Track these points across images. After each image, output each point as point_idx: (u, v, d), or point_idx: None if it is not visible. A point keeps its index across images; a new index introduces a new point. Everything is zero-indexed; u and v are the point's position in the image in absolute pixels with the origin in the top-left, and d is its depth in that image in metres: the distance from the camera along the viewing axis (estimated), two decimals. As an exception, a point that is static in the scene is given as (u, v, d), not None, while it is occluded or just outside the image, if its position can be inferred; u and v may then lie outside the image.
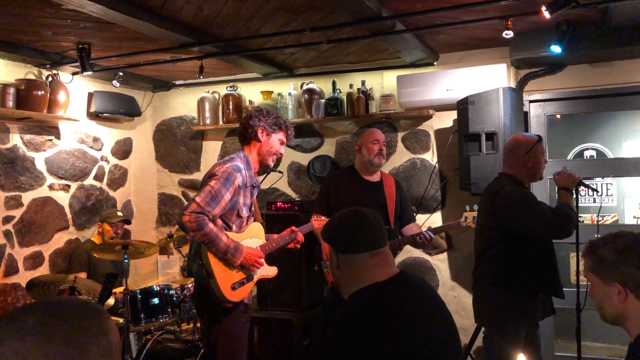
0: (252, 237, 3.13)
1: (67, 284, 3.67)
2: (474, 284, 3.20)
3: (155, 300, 3.92)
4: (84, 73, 4.06)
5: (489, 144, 3.80)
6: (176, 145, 5.40)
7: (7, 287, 4.14)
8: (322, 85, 4.73)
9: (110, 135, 5.15)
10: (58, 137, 4.58)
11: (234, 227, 3.03)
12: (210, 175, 2.94)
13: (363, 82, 4.53)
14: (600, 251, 1.72)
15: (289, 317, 4.15)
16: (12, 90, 3.98)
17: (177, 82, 5.35)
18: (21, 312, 0.92)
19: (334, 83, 4.61)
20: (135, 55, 4.12)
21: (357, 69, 4.63)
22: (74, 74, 4.50)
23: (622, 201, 4.99)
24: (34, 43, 3.95)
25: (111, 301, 3.92)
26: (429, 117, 4.45)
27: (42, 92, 4.15)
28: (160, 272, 5.25)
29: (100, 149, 5.02)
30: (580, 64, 4.10)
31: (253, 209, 3.24)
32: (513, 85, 4.18)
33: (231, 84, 5.02)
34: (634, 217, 4.77)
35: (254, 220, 3.23)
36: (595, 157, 5.00)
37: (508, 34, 3.20)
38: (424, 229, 3.81)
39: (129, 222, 4.74)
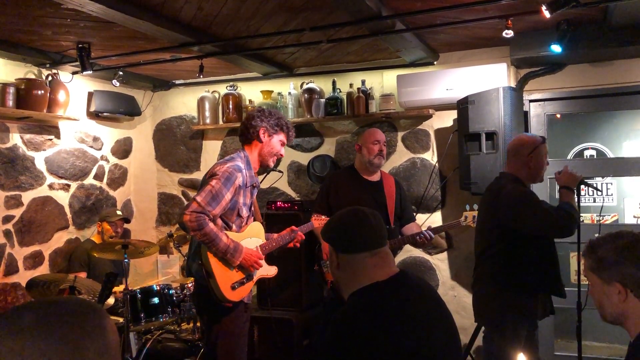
0: (252, 236, 3.13)
1: (67, 283, 3.67)
2: (474, 283, 3.20)
3: (155, 300, 3.92)
4: (84, 72, 4.06)
5: (489, 143, 3.80)
6: (176, 144, 5.40)
7: (7, 286, 4.14)
8: (322, 84, 4.73)
9: (110, 134, 5.15)
10: (58, 136, 4.58)
11: (234, 227, 3.03)
12: (211, 175, 2.94)
13: (363, 82, 4.53)
14: (601, 251, 1.72)
15: (289, 316, 4.15)
16: (12, 90, 3.98)
17: (177, 82, 5.35)
18: (18, 310, 0.92)
19: (334, 82, 4.61)
20: (135, 54, 4.12)
21: (357, 68, 4.63)
22: (73, 73, 4.50)
23: (622, 201, 4.99)
24: (34, 42, 3.95)
25: (111, 300, 3.92)
26: (429, 116, 4.45)
27: (42, 92, 4.14)
28: (160, 271, 5.25)
29: (100, 149, 5.02)
30: (580, 63, 4.10)
31: (253, 208, 3.24)
32: (513, 84, 4.18)
33: (231, 83, 5.02)
34: (634, 216, 4.77)
35: (254, 220, 3.23)
36: (595, 157, 5.00)
37: (508, 33, 3.20)
38: (423, 228, 3.81)
39: (128, 221, 4.74)
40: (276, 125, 3.12)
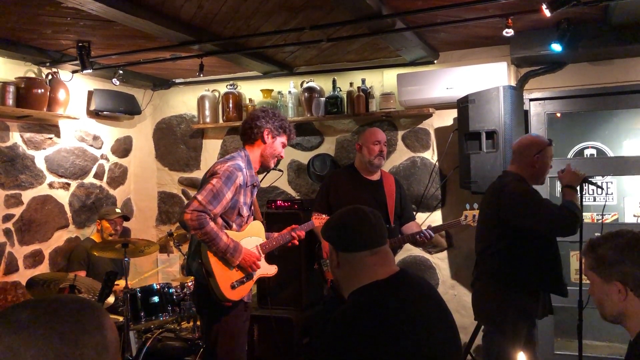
0: (252, 235, 3.13)
1: (67, 282, 3.66)
2: (474, 281, 3.19)
3: (155, 299, 3.92)
4: (84, 71, 4.06)
5: (489, 142, 3.79)
6: (176, 143, 5.40)
7: (7, 285, 4.14)
8: (322, 83, 4.73)
9: (110, 133, 5.15)
10: (58, 135, 4.58)
11: (234, 226, 3.03)
12: (211, 174, 2.94)
13: (363, 81, 4.52)
14: (600, 250, 1.72)
15: (289, 315, 4.15)
16: (11, 89, 3.98)
17: (177, 81, 5.35)
18: (15, 308, 0.92)
19: (334, 81, 4.60)
20: (135, 53, 4.11)
21: (357, 67, 4.63)
22: (73, 72, 4.50)
23: (622, 200, 4.99)
24: (34, 41, 3.95)
25: (111, 299, 3.91)
26: (429, 115, 4.44)
27: (42, 91, 4.14)
28: (160, 270, 5.25)
29: (100, 147, 5.01)
30: (580, 62, 4.09)
31: (253, 207, 3.24)
32: (513, 83, 4.18)
33: (231, 82, 5.01)
34: (634, 215, 4.77)
35: (254, 219, 3.23)
36: (595, 156, 5.00)
37: (508, 32, 3.20)
38: (423, 227, 3.81)
39: (127, 219, 4.74)
40: (280, 127, 3.14)
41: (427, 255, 4.56)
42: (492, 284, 3.04)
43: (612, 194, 5.00)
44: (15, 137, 4.23)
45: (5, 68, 4.11)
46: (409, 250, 4.52)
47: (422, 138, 4.54)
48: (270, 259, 3.21)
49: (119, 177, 5.27)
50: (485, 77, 3.96)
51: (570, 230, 2.90)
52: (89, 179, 4.90)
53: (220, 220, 2.95)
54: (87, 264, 4.40)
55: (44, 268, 4.42)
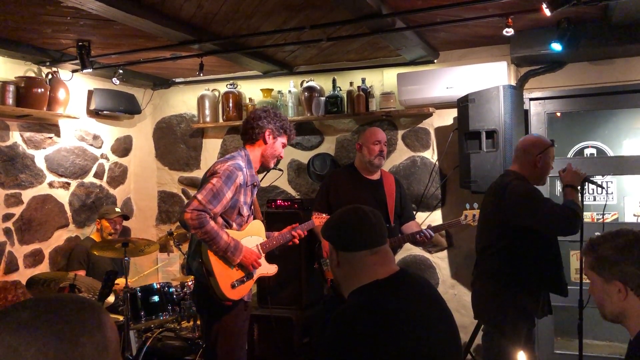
0: (253, 234, 3.13)
1: (67, 281, 3.67)
2: (475, 280, 3.19)
3: (156, 298, 3.92)
4: (84, 71, 4.05)
5: (489, 141, 3.79)
6: (176, 143, 5.40)
7: (7, 284, 4.14)
8: (322, 83, 4.73)
9: (110, 132, 5.15)
10: (58, 134, 4.58)
11: (234, 226, 3.03)
12: (211, 173, 2.94)
13: (363, 80, 4.52)
14: (601, 249, 1.72)
15: (289, 315, 4.15)
16: (11, 88, 3.98)
17: (177, 80, 5.35)
18: (15, 307, 0.92)
19: (334, 81, 4.60)
20: (135, 52, 4.11)
21: (357, 66, 4.63)
22: (73, 71, 4.50)
23: (622, 199, 4.99)
24: (34, 40, 3.95)
25: (111, 299, 3.92)
26: (429, 115, 4.44)
27: (42, 90, 4.14)
28: (160, 269, 5.25)
29: (100, 147, 5.01)
30: (580, 61, 4.09)
31: (253, 207, 3.24)
32: (513, 83, 4.18)
33: (231, 81, 5.01)
34: (634, 215, 4.77)
35: (254, 219, 3.23)
36: (595, 155, 5.00)
37: (508, 31, 3.20)
38: (423, 227, 3.81)
39: (127, 218, 4.74)
40: (281, 127, 3.15)
41: (427, 255, 4.56)
42: (492, 283, 3.04)
43: (612, 193, 5.00)
44: (15, 137, 4.23)
45: (5, 67, 4.11)
46: (409, 250, 4.52)
47: (422, 137, 4.54)
48: (270, 259, 3.21)
49: (119, 176, 5.27)
50: (485, 76, 3.96)
51: (571, 229, 2.90)
52: (89, 179, 4.90)
53: (220, 220, 2.95)
54: (87, 263, 4.40)
55: (44, 267, 4.42)
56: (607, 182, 4.97)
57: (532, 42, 3.87)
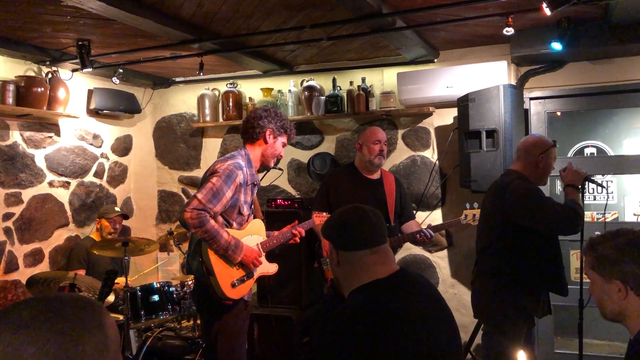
0: (253, 234, 3.13)
1: (67, 280, 3.66)
2: (475, 279, 3.19)
3: (156, 297, 3.93)
4: (84, 70, 4.06)
5: (489, 141, 3.79)
6: (176, 142, 5.40)
7: (7, 284, 4.14)
8: (322, 82, 4.73)
9: (110, 132, 5.15)
10: (58, 134, 4.58)
11: (234, 225, 3.03)
12: (211, 172, 2.94)
13: (363, 79, 4.52)
14: (601, 248, 1.72)
15: (289, 314, 4.15)
16: (11, 87, 3.98)
17: (177, 79, 5.34)
18: (16, 307, 0.92)
19: (334, 80, 4.60)
20: (135, 52, 4.11)
21: (357, 66, 4.62)
22: (73, 70, 4.50)
23: (623, 199, 5.00)
24: (34, 40, 3.95)
25: (111, 298, 3.92)
26: (429, 114, 4.44)
27: (42, 89, 4.14)
28: (160, 269, 5.25)
29: (100, 146, 5.01)
30: (580, 61, 4.09)
31: (253, 206, 3.24)
32: (513, 82, 4.17)
33: (231, 81, 5.01)
34: (634, 214, 4.77)
35: (255, 218, 3.23)
36: (595, 155, 5.00)
37: (509, 31, 3.20)
38: (424, 226, 3.81)
39: (127, 217, 4.74)
40: (282, 127, 3.15)
41: (427, 254, 4.56)
42: (493, 282, 3.04)
43: (612, 192, 5.01)
44: (15, 136, 4.23)
45: (5, 67, 4.11)
46: (409, 249, 4.52)
47: (422, 137, 4.54)
48: (270, 258, 3.21)
49: (119, 175, 5.27)
50: (486, 75, 3.96)
51: (573, 229, 2.90)
52: (89, 178, 4.90)
53: (220, 219, 2.95)
54: (87, 262, 4.40)
55: (44, 267, 4.42)
56: (607, 181, 4.97)
57: (533, 42, 3.87)
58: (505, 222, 2.99)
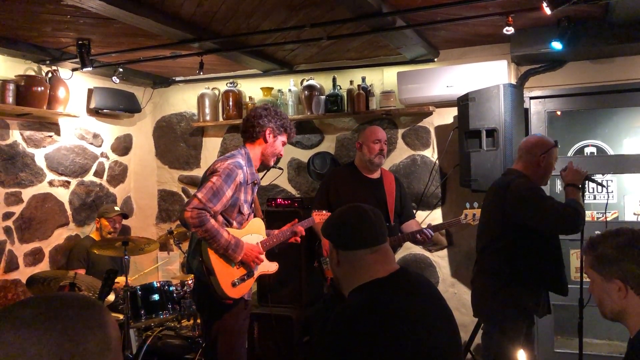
0: (253, 232, 3.13)
1: (68, 280, 3.67)
2: (475, 277, 3.19)
3: (156, 297, 3.93)
4: (84, 69, 4.06)
5: (490, 140, 3.79)
6: (176, 141, 5.40)
7: (7, 283, 4.15)
8: (322, 81, 4.73)
9: (110, 131, 5.15)
10: (58, 133, 4.58)
11: (234, 224, 3.03)
12: (211, 172, 2.94)
13: (363, 79, 4.52)
14: (601, 248, 1.72)
15: (289, 313, 4.15)
16: (11, 86, 3.98)
17: (177, 79, 5.34)
18: (18, 305, 0.92)
19: (334, 79, 4.60)
20: (135, 51, 4.11)
21: (358, 65, 4.62)
22: (73, 70, 4.50)
23: (623, 198, 4.99)
24: (34, 39, 3.95)
25: (111, 297, 3.92)
26: (430, 113, 4.44)
27: (42, 88, 4.14)
28: (160, 268, 5.26)
29: (100, 145, 5.01)
30: (581, 60, 4.09)
31: (254, 205, 3.24)
32: (513, 81, 4.17)
33: (231, 80, 5.01)
34: (634, 213, 4.77)
35: (254, 217, 3.23)
36: (595, 154, 5.00)
37: (509, 30, 3.20)
38: (424, 225, 3.80)
39: (126, 217, 4.74)
40: (281, 126, 3.15)
41: (427, 254, 4.56)
42: (493, 282, 3.04)
43: (612, 192, 5.00)
44: (15, 135, 4.23)
45: (5, 66, 4.11)
46: (409, 249, 4.52)
47: (423, 136, 4.54)
48: (270, 257, 3.21)
49: (119, 175, 5.27)
50: (486, 75, 3.95)
51: (574, 228, 2.90)
52: (89, 177, 4.90)
53: (220, 218, 2.94)
54: (87, 261, 4.40)
55: (44, 266, 4.42)
56: (607, 180, 4.97)
57: (533, 41, 3.87)
58: (505, 221, 2.98)
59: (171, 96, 5.42)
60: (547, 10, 2.89)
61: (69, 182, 4.68)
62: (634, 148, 4.92)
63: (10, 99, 3.96)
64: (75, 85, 4.63)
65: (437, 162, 4.48)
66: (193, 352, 3.86)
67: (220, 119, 5.08)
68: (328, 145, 4.86)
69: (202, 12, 3.36)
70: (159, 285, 3.99)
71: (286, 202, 4.43)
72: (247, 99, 4.96)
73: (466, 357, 3.82)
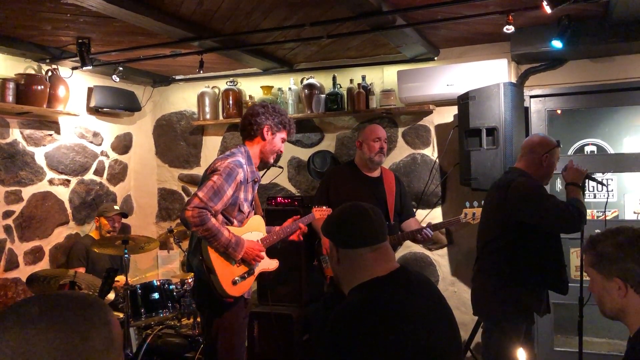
0: (253, 230, 3.12)
1: (68, 278, 3.67)
2: (475, 276, 3.18)
3: (156, 295, 3.93)
4: (84, 68, 4.05)
5: (490, 139, 3.79)
6: (176, 140, 5.40)
7: (8, 281, 4.15)
8: (323, 80, 4.73)
9: (110, 130, 5.14)
10: (58, 131, 4.57)
11: (235, 223, 3.03)
12: (212, 171, 2.93)
13: (363, 77, 4.52)
14: (601, 246, 1.72)
15: (289, 312, 4.15)
16: (11, 85, 3.98)
17: (177, 77, 5.34)
18: (24, 302, 0.94)
19: (334, 78, 4.60)
20: (135, 50, 4.11)
21: (358, 63, 4.62)
22: (73, 68, 4.50)
23: (623, 197, 4.99)
24: (34, 38, 3.94)
25: (111, 296, 3.92)
26: (430, 112, 4.44)
27: (42, 87, 4.14)
28: (160, 267, 5.26)
29: (100, 144, 5.01)
30: (581, 59, 4.09)
31: (254, 203, 3.24)
32: (514, 80, 4.17)
33: (231, 78, 5.01)
34: (634, 212, 4.77)
35: (255, 214, 3.23)
36: (595, 153, 5.00)
37: (509, 28, 3.20)
38: (424, 224, 3.80)
39: (126, 216, 4.74)
40: (280, 123, 3.12)
41: (427, 252, 4.56)
42: (493, 280, 3.04)
43: (612, 190, 5.00)
44: (15, 134, 4.23)
45: (5, 64, 4.11)
46: (409, 247, 4.52)
47: (423, 135, 4.54)
48: (270, 254, 3.21)
49: (119, 173, 5.27)
50: (486, 73, 3.95)
51: (576, 227, 2.90)
52: (89, 176, 4.90)
53: (221, 217, 2.94)
54: (86, 260, 4.40)
55: (44, 264, 4.42)
56: (607, 179, 4.97)
57: (533, 40, 3.86)
58: (506, 219, 2.98)
59: (171, 95, 5.41)
60: (548, 9, 2.89)
61: (69, 181, 4.68)
62: (634, 147, 4.92)
63: (10, 97, 3.96)
64: (75, 84, 4.63)
65: (437, 160, 4.48)
66: (193, 350, 3.86)
67: (220, 117, 5.08)
68: (328, 143, 4.86)
69: (202, 10, 3.35)
70: (159, 283, 3.99)
71: (286, 200, 4.44)
72: (247, 98, 4.96)
73: (466, 356, 3.83)
